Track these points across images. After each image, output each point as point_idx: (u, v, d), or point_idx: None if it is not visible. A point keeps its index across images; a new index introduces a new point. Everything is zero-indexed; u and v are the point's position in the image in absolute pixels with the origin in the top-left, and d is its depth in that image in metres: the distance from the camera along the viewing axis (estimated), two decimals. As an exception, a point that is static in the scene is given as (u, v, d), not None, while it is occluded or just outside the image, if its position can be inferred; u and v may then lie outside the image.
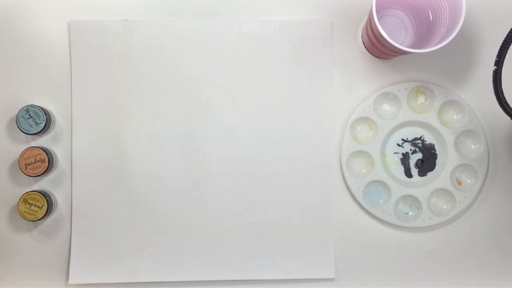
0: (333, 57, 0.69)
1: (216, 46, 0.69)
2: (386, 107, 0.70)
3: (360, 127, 0.70)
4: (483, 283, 0.70)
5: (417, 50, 0.59)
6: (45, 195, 0.65)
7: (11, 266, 0.68)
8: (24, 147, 0.67)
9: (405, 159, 0.70)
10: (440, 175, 0.69)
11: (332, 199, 0.69)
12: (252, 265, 0.69)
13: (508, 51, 0.54)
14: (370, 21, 0.62)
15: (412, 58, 0.70)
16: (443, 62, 0.70)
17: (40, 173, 0.65)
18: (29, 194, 0.65)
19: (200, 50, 0.69)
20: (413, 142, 0.70)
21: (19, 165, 0.65)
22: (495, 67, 0.55)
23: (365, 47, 0.70)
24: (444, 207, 0.69)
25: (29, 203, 0.65)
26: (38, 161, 0.65)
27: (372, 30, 0.62)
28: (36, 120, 0.65)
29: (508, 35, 0.54)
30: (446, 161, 0.69)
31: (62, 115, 0.69)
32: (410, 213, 0.70)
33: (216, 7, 0.70)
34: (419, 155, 0.70)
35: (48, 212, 0.65)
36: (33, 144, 0.68)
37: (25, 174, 0.65)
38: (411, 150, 0.70)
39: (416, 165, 0.70)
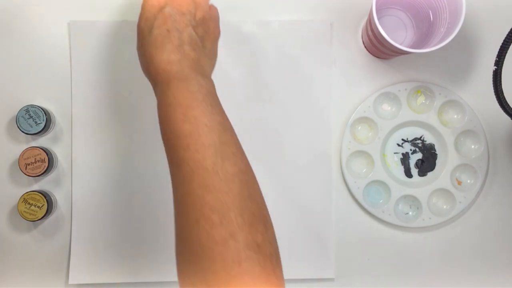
0: (333, 57, 0.69)
1: (216, 46, 0.69)
2: (386, 107, 0.70)
3: (360, 127, 0.70)
4: (483, 283, 0.70)
5: (417, 50, 0.59)
6: (45, 195, 0.65)
7: (11, 266, 0.68)
8: (24, 147, 0.67)
9: (405, 159, 0.70)
10: (440, 175, 0.69)
11: (332, 199, 0.69)
12: (252, 265, 0.69)
13: (508, 51, 0.54)
14: (370, 21, 0.62)
15: (412, 58, 0.70)
16: (443, 62, 0.70)
17: (40, 173, 0.65)
18: (29, 194, 0.65)
19: (200, 50, 0.69)
20: (413, 142, 0.70)
21: (19, 165, 0.65)
22: (495, 67, 0.55)
23: (365, 47, 0.70)
24: (444, 207, 0.69)
25: (29, 203, 0.65)
26: (38, 161, 0.65)
27: (372, 30, 0.62)
28: (36, 120, 0.65)
29: (508, 35, 0.54)
30: (446, 161, 0.69)
31: (62, 115, 0.69)
32: (410, 213, 0.70)
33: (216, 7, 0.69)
34: (419, 155, 0.70)
35: (48, 212, 0.65)
36: (33, 144, 0.68)
37: (25, 174, 0.65)
38: (411, 150, 0.70)
39: (416, 165, 0.70)
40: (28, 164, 0.65)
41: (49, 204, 0.65)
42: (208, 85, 0.50)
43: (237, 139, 0.47)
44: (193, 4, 0.56)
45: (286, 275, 0.69)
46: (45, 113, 0.65)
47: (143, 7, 0.55)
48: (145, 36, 0.52)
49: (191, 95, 0.46)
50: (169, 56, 0.49)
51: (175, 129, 0.45)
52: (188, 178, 0.43)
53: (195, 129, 0.44)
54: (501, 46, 0.54)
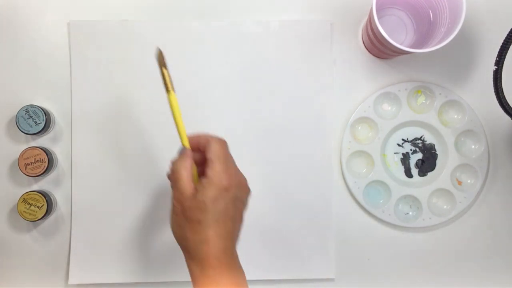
0: (333, 57, 0.69)
1: (216, 46, 0.69)
2: (386, 107, 0.70)
3: (360, 127, 0.70)
4: (483, 283, 0.70)
5: (417, 50, 0.59)
6: (45, 195, 0.65)
7: (11, 266, 0.68)
8: (24, 147, 0.67)
9: (405, 159, 0.70)
10: (440, 175, 0.69)
11: (332, 199, 0.69)
12: (252, 265, 0.68)
13: (508, 51, 0.54)
14: (370, 21, 0.62)
15: (412, 58, 0.70)
16: (443, 62, 0.70)
17: (40, 173, 0.65)
18: (29, 194, 0.65)
19: (200, 50, 0.69)
20: (413, 142, 0.70)
21: (19, 165, 0.65)
22: (495, 67, 0.55)
23: (365, 47, 0.70)
24: (444, 207, 0.69)
25: (29, 203, 0.65)
26: (38, 161, 0.65)
27: (372, 30, 0.62)
28: (35, 120, 0.65)
29: (508, 35, 0.54)
30: (446, 161, 0.69)
31: (62, 115, 0.69)
32: (410, 213, 0.70)
33: (216, 7, 0.70)
34: (419, 155, 0.70)
35: (48, 212, 0.65)
36: (33, 144, 0.68)
37: (25, 174, 0.65)
38: (411, 150, 0.70)
39: (416, 165, 0.70)
40: (28, 164, 0.65)
41: (49, 204, 0.65)
42: (242, 274, 0.51)
43: None
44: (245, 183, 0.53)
45: (286, 275, 0.69)
46: (45, 113, 0.65)
47: (212, 182, 0.49)
48: (203, 213, 0.48)
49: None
50: (225, 244, 0.48)
51: None
52: None
53: None
54: (501, 46, 0.54)
